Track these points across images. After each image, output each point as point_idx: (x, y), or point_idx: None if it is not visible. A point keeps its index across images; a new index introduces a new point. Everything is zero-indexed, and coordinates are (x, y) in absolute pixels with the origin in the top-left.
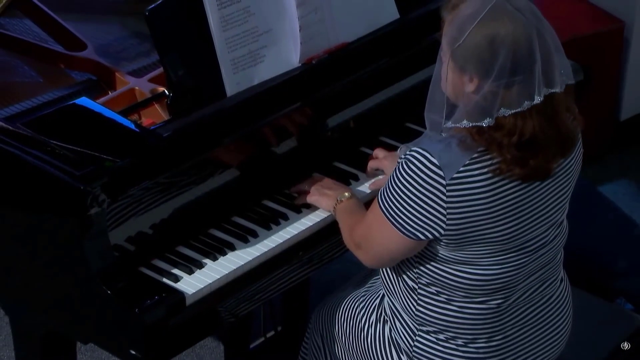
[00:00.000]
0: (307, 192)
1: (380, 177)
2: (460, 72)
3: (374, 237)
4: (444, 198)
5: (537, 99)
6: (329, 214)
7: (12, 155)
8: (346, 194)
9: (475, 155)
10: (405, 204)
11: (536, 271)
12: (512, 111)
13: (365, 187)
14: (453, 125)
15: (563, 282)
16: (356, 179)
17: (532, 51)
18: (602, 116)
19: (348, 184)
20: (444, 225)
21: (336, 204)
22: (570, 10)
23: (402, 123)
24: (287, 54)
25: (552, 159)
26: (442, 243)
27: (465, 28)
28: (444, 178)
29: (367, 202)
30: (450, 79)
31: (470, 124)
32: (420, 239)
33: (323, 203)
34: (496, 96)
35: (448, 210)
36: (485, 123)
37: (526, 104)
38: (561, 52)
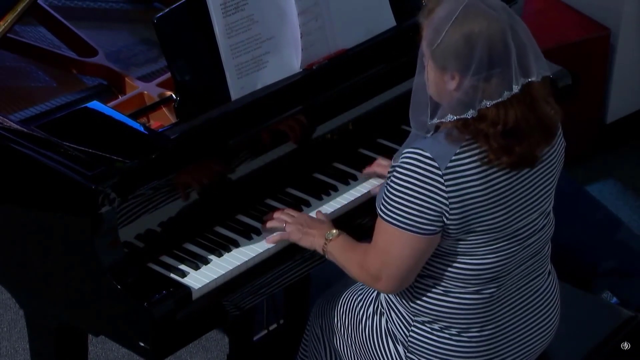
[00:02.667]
0: (284, 230)
1: (377, 183)
2: (441, 71)
3: (392, 255)
4: (444, 188)
5: (515, 88)
6: (329, 212)
7: (27, 156)
8: (333, 231)
9: (464, 144)
10: (410, 204)
11: (526, 261)
12: (494, 102)
13: (363, 187)
14: (439, 120)
15: (551, 275)
16: (355, 178)
17: (507, 44)
18: (589, 119)
19: (347, 183)
20: (447, 214)
21: (325, 244)
22: (559, 19)
23: (398, 126)
24: (289, 60)
25: (537, 146)
26: (447, 233)
27: (441, 29)
28: (439, 168)
29: (362, 204)
30: (432, 79)
31: (455, 118)
32: (437, 231)
33: (306, 242)
34: (477, 89)
35: (450, 200)
36: (469, 115)
37: (506, 94)
38: (534, 43)
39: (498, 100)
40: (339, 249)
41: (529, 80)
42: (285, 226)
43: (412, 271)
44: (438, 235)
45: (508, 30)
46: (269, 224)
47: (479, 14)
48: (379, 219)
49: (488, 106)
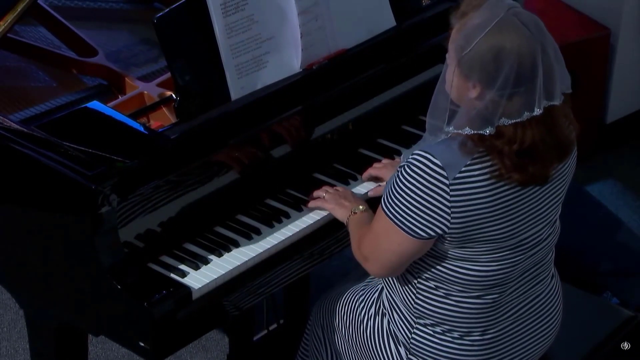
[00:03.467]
0: (323, 198)
1: (380, 184)
2: (465, 78)
3: (382, 244)
4: (448, 197)
5: (537, 111)
6: (328, 212)
7: (27, 156)
8: (360, 207)
9: (476, 156)
10: (410, 205)
11: (530, 268)
12: (512, 121)
13: (364, 187)
14: (455, 130)
15: (554, 278)
16: (355, 179)
17: (535, 65)
18: (589, 119)
19: (347, 184)
20: (448, 224)
21: (350, 216)
22: (560, 18)
23: (398, 126)
24: (289, 60)
25: (550, 166)
26: (445, 241)
27: (472, 38)
28: (447, 178)
29: None
30: (455, 83)
31: (472, 132)
32: (428, 238)
33: (338, 213)
34: (498, 106)
35: (452, 210)
36: (486, 132)
37: (526, 115)
38: (562, 63)
39: (517, 120)
40: (354, 223)
41: (552, 103)
42: (325, 194)
43: (397, 265)
44: (430, 241)
45: (539, 50)
46: (315, 193)
47: (512, 30)
48: (379, 206)
49: (506, 124)
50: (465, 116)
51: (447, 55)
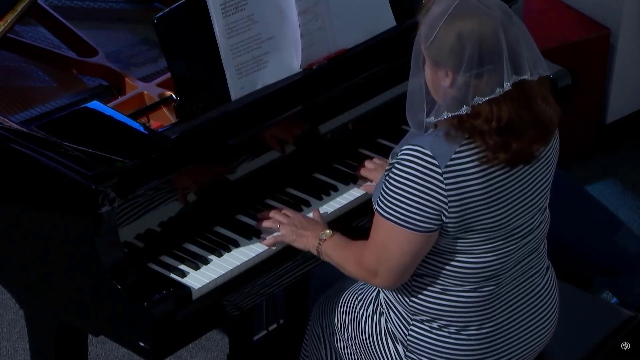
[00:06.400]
0: (278, 230)
1: (369, 183)
2: (435, 68)
3: (389, 251)
4: (443, 186)
5: (507, 85)
6: (329, 213)
7: (27, 156)
8: (327, 231)
9: (463, 143)
10: (408, 200)
11: (524, 258)
12: (486, 98)
13: (364, 189)
14: (435, 119)
15: (549, 271)
16: (355, 180)
17: (498, 42)
18: (589, 119)
19: (347, 184)
20: (446, 213)
21: (319, 245)
22: (560, 18)
23: (398, 125)
24: (289, 60)
25: (534, 143)
26: (444, 232)
27: (435, 25)
28: (439, 167)
29: (362, 204)
30: (429, 76)
31: (450, 115)
32: (434, 229)
33: (301, 244)
34: (469, 86)
35: (449, 198)
36: (463, 111)
37: (498, 91)
38: (532, 46)
39: (490, 97)
40: (333, 248)
41: (522, 78)
42: (280, 227)
43: (408, 267)
44: (436, 233)
45: (500, 28)
46: (265, 224)
47: (471, 12)
48: (376, 215)
49: (480, 103)
50: (442, 104)
51: (414, 56)
